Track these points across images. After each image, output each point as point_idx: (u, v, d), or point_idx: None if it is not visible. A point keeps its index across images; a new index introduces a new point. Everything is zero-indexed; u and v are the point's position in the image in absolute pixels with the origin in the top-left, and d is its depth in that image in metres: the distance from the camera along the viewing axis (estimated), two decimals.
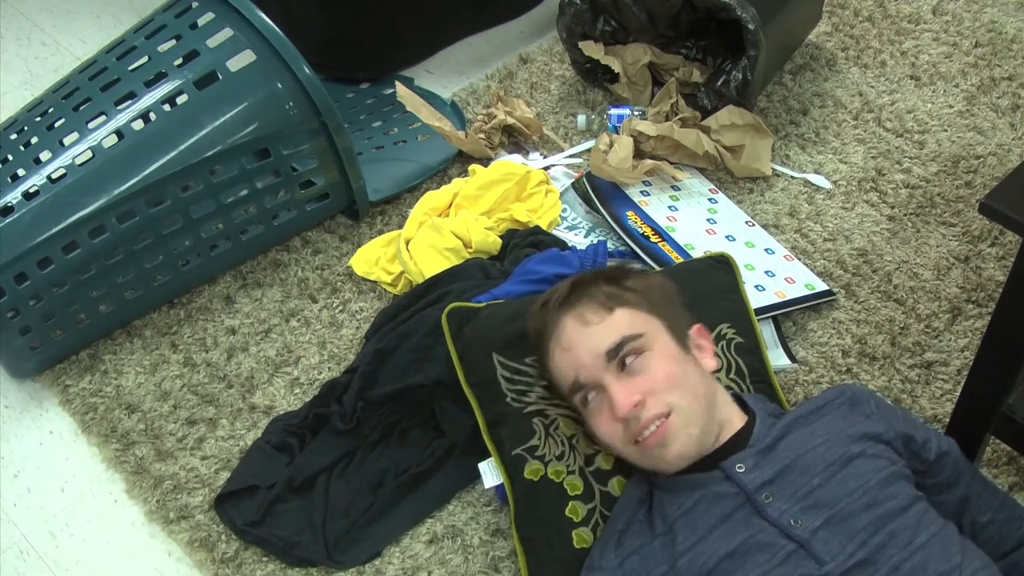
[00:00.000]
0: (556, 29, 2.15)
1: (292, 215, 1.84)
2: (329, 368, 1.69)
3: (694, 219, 1.85)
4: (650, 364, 1.22)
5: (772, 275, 1.75)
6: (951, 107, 2.10)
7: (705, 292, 1.56)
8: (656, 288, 1.32)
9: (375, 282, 1.82)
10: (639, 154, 1.93)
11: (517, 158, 2.01)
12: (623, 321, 1.24)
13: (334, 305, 1.79)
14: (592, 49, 2.10)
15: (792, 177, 1.98)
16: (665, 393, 1.20)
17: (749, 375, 1.48)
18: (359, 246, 1.88)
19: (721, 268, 1.62)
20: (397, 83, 2.04)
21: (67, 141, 1.68)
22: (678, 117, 2.00)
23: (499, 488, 1.47)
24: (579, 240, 1.84)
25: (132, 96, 1.70)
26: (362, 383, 1.57)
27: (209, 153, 1.69)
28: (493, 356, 1.46)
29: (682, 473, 1.22)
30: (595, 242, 1.79)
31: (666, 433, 1.19)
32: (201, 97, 1.71)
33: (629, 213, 1.82)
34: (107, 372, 1.72)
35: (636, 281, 1.31)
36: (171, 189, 1.68)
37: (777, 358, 1.63)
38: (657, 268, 1.69)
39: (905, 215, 1.88)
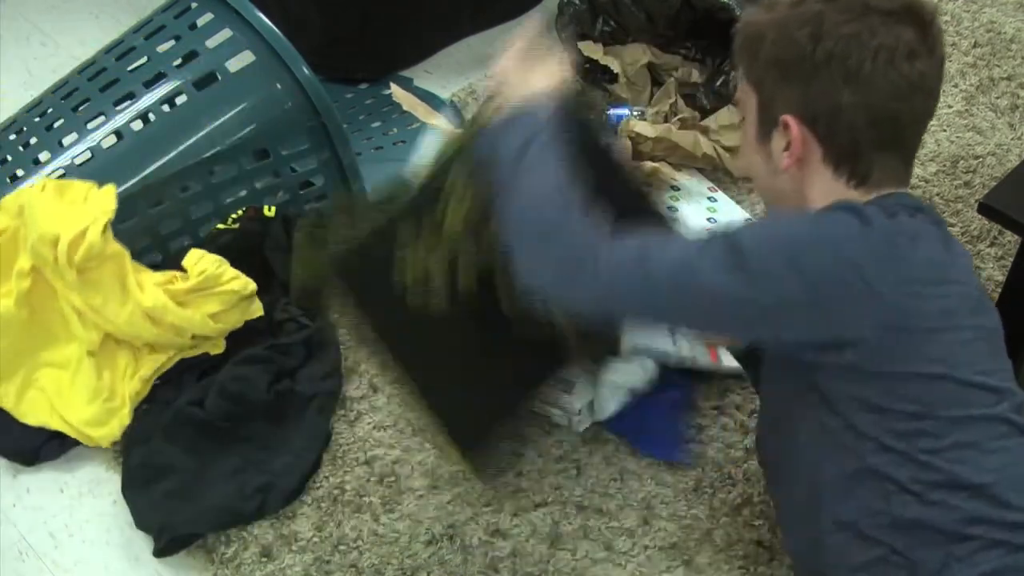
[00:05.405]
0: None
1: None
2: None
3: (694, 218, 1.85)
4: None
5: None
6: (950, 107, 2.10)
7: None
8: (765, 53, 1.14)
9: None
10: (638, 155, 1.92)
11: None
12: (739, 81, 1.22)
13: None
14: (591, 49, 2.10)
15: None
16: None
17: None
18: None
19: None
20: (392, 84, 2.04)
21: (66, 142, 1.68)
22: (677, 117, 2.00)
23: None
24: None
25: (131, 97, 1.70)
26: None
27: (208, 154, 1.69)
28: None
29: None
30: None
31: None
32: (200, 98, 1.71)
33: None
34: None
35: (758, 29, 1.14)
36: (170, 189, 1.68)
37: None
38: None
39: None
